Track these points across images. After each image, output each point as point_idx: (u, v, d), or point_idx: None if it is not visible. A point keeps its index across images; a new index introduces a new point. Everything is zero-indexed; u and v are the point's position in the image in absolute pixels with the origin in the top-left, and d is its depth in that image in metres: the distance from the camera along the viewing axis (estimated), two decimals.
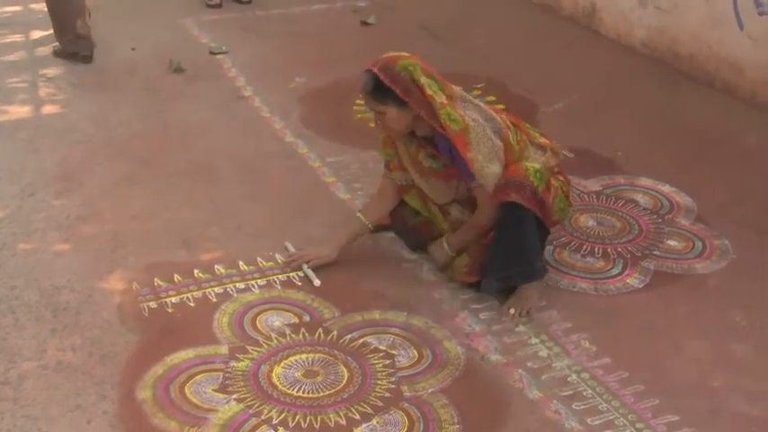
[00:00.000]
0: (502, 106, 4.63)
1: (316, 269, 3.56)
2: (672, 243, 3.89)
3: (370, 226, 3.64)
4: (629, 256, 3.78)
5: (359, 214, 3.65)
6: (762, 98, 5.15)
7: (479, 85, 5.36)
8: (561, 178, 3.51)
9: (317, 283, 3.50)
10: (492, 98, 5.13)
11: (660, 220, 4.07)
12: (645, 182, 4.40)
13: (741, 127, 5.01)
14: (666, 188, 4.34)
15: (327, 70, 5.71)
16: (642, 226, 4.01)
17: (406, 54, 3.34)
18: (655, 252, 3.82)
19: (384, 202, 3.67)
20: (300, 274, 3.56)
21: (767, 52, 5.09)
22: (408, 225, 3.71)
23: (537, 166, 3.34)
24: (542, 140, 3.53)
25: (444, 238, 3.56)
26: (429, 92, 3.23)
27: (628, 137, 4.89)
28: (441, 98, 3.26)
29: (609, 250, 3.82)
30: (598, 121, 5.09)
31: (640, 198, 4.25)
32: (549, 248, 3.73)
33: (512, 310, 3.38)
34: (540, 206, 3.29)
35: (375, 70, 3.27)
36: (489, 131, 3.31)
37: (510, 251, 3.33)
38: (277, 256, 3.68)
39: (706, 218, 4.09)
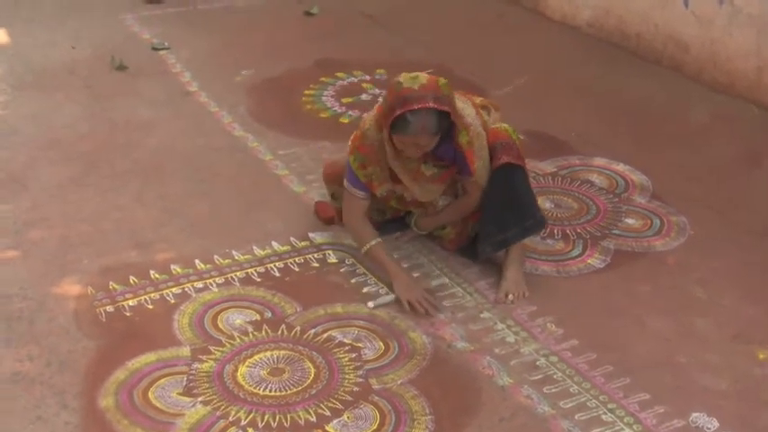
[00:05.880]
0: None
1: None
2: (630, 222, 3.90)
3: (379, 239, 3.46)
4: (588, 236, 3.78)
5: (373, 242, 3.42)
6: (707, 75, 5.19)
7: (428, 71, 5.30)
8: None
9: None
10: None
11: (617, 200, 4.07)
12: (599, 161, 4.41)
13: (689, 103, 5.04)
14: (621, 167, 4.35)
15: (273, 62, 5.63)
16: (599, 206, 4.01)
17: (424, 73, 3.23)
18: (614, 231, 3.82)
19: (368, 219, 3.51)
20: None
21: (712, 29, 5.12)
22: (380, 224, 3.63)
23: (507, 126, 3.48)
24: (480, 101, 3.57)
25: (413, 222, 3.61)
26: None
27: (579, 117, 4.90)
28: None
29: (568, 232, 3.81)
30: (549, 103, 5.08)
31: (595, 178, 4.25)
32: None
33: (510, 297, 3.36)
34: (523, 160, 3.41)
35: (434, 106, 3.08)
36: (480, 129, 3.35)
37: (509, 210, 3.37)
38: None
39: (661, 195, 4.10)
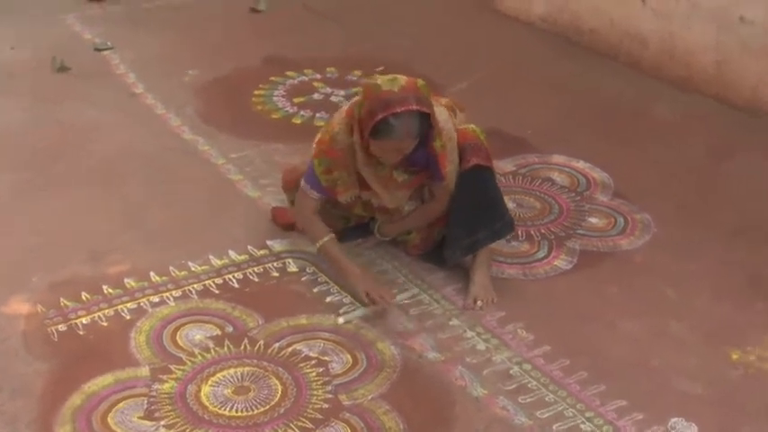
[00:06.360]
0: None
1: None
2: (593, 221, 3.84)
3: (332, 235, 3.34)
4: (553, 237, 3.71)
5: (326, 238, 3.30)
6: (666, 70, 5.16)
7: (379, 69, 5.21)
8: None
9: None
10: None
11: (579, 198, 4.01)
12: (558, 159, 4.34)
13: (648, 99, 5.01)
14: (580, 164, 4.29)
15: (221, 61, 5.47)
16: (562, 205, 3.94)
17: (400, 75, 3.10)
18: (578, 231, 3.75)
19: (318, 217, 3.38)
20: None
21: (669, 24, 5.09)
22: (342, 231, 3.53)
23: (475, 126, 3.37)
24: (445, 102, 3.47)
25: (376, 229, 3.50)
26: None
27: (536, 114, 4.84)
28: None
29: (533, 232, 3.73)
30: (504, 100, 5.00)
31: (556, 176, 4.18)
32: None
33: (479, 303, 3.26)
34: (491, 161, 3.33)
35: (417, 108, 2.98)
36: (452, 132, 3.25)
37: (478, 213, 3.29)
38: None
39: (623, 193, 4.05)
